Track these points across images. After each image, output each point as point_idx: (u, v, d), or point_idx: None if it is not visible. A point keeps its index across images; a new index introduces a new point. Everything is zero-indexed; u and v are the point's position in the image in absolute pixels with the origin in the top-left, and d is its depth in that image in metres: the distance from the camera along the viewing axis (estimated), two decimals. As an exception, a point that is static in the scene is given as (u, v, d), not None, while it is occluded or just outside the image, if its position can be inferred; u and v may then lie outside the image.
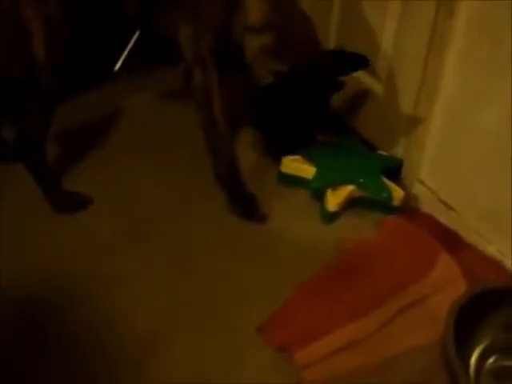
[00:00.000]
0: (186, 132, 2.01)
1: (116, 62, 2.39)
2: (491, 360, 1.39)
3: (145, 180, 1.94)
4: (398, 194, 1.81)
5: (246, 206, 1.82)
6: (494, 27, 1.51)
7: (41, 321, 1.50)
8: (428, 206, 1.82)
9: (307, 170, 1.88)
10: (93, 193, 1.85)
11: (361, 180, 1.82)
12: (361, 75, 2.00)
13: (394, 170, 1.90)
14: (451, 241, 1.70)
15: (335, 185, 1.82)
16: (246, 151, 1.99)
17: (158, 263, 1.67)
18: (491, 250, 1.65)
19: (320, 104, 1.85)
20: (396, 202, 1.82)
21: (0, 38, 1.56)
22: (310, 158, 1.90)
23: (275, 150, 1.97)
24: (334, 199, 1.80)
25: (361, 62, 1.79)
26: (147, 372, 1.40)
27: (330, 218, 1.82)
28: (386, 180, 1.84)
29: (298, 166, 1.90)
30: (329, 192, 1.81)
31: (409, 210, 1.83)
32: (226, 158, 1.83)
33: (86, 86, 2.23)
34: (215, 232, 1.77)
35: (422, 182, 1.84)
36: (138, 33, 2.36)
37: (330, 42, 2.16)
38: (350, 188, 1.82)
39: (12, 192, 1.82)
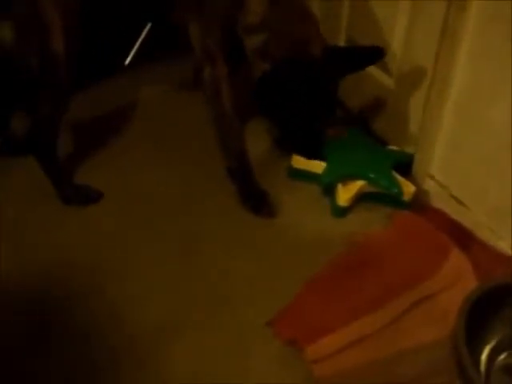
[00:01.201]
0: (196, 125, 2.02)
1: (127, 55, 2.40)
2: (502, 356, 1.39)
3: (154, 173, 1.94)
4: (408, 189, 1.81)
5: (256, 201, 1.83)
6: (505, 23, 1.50)
7: (43, 312, 1.52)
8: (439, 201, 1.81)
9: (317, 165, 1.88)
10: (102, 185, 1.86)
11: (371, 175, 1.82)
12: (373, 70, 1.99)
13: (404, 165, 1.89)
14: (462, 236, 1.69)
15: (346, 179, 1.82)
16: (257, 145, 1.99)
17: (167, 257, 1.67)
18: (502, 245, 1.65)
19: (323, 100, 1.83)
20: (407, 197, 1.81)
21: (18, 32, 1.55)
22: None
23: (285, 145, 1.97)
24: (344, 194, 1.80)
25: (376, 53, 1.76)
26: (153, 366, 1.41)
27: (341, 212, 1.82)
28: (396, 175, 1.83)
29: (308, 161, 1.90)
30: (339, 187, 1.81)
31: (419, 205, 1.83)
32: (236, 151, 1.83)
33: (97, 78, 2.24)
34: (225, 226, 1.77)
35: (432, 178, 1.84)
36: (148, 26, 2.36)
37: (341, 39, 2.15)
38: (360, 183, 1.81)
39: (18, 184, 1.84)
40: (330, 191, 1.84)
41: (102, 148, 2.02)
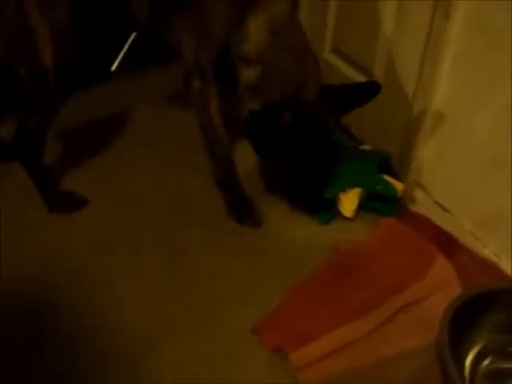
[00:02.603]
0: (185, 133, 2.01)
1: (113, 62, 2.39)
2: (486, 362, 1.39)
3: (142, 180, 1.94)
4: (398, 186, 1.81)
5: (243, 211, 1.82)
6: (489, 31, 1.52)
7: (30, 318, 1.51)
8: (424, 208, 1.82)
9: None
10: (89, 192, 1.85)
11: (368, 182, 1.82)
12: (356, 76, 2.00)
13: (384, 164, 1.90)
14: (447, 243, 1.70)
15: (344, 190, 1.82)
16: (244, 153, 1.98)
17: (154, 264, 1.67)
18: (486, 252, 1.66)
19: (321, 146, 1.73)
20: (399, 194, 1.81)
21: (7, 43, 1.55)
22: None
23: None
24: (350, 205, 1.80)
25: (372, 89, 1.61)
26: (140, 371, 1.40)
27: (326, 220, 1.82)
28: (385, 176, 1.84)
29: None
30: (343, 198, 1.81)
31: (405, 211, 1.83)
32: (224, 162, 1.82)
33: (86, 84, 2.23)
34: (212, 233, 1.77)
35: (417, 184, 1.85)
36: (134, 33, 2.36)
37: (326, 44, 2.16)
38: (359, 191, 1.81)
39: (8, 190, 1.82)
40: (326, 204, 1.83)
41: (90, 155, 2.01)
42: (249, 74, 1.66)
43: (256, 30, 1.63)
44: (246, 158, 1.95)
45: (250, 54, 1.64)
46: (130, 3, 1.81)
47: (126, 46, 2.39)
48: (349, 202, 1.81)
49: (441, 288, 1.55)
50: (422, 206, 1.83)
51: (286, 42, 1.64)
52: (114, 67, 2.40)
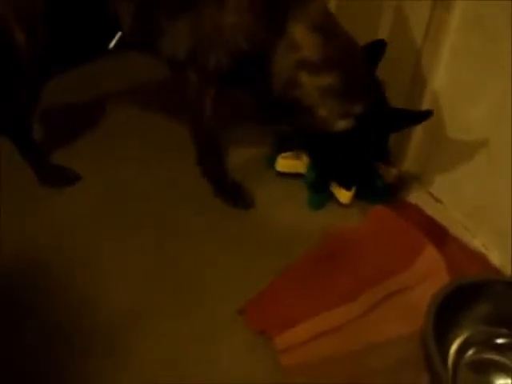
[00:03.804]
0: (177, 116, 2.00)
1: (111, 40, 2.38)
2: (470, 352, 1.39)
3: (133, 162, 1.93)
4: (390, 172, 1.81)
5: (233, 196, 1.82)
6: (487, 25, 1.52)
7: (13, 297, 1.50)
8: (416, 197, 1.82)
9: (301, 165, 1.86)
10: (79, 171, 1.85)
11: None
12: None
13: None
14: (437, 233, 1.70)
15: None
16: (234, 138, 1.98)
17: (141, 245, 1.67)
18: (476, 243, 1.66)
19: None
20: (392, 180, 1.82)
21: None
22: (302, 151, 1.86)
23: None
24: (346, 193, 1.79)
25: (423, 116, 1.60)
26: (123, 352, 1.40)
27: (317, 205, 1.82)
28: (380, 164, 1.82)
29: (291, 162, 1.88)
30: (338, 185, 1.80)
31: (396, 200, 1.83)
32: (210, 151, 1.81)
33: (82, 61, 2.23)
34: (200, 216, 1.76)
35: (410, 174, 1.85)
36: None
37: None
38: None
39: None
40: (317, 188, 1.82)
41: (81, 134, 2.01)
42: (324, 81, 1.59)
43: (301, 33, 1.57)
44: (236, 142, 1.96)
45: (310, 59, 1.58)
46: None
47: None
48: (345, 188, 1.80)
49: (429, 277, 1.55)
50: (414, 195, 1.83)
51: (333, 31, 1.61)
52: (111, 45, 2.38)
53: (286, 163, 1.88)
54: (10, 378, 1.32)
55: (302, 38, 1.57)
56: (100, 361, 1.38)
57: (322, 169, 1.79)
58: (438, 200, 1.77)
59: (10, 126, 1.74)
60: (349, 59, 1.62)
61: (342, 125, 1.62)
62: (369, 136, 1.65)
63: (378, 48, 1.67)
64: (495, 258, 1.61)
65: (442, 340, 1.32)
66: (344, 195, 1.80)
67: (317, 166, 1.80)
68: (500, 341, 1.41)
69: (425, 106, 1.73)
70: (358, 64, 1.63)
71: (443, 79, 1.70)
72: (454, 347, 1.39)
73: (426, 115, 1.59)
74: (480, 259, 1.63)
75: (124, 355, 1.40)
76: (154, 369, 1.37)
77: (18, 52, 1.59)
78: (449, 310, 1.34)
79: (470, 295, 1.38)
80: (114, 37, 2.36)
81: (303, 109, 1.63)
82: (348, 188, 1.78)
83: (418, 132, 1.78)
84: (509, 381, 1.35)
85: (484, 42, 1.54)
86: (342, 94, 1.59)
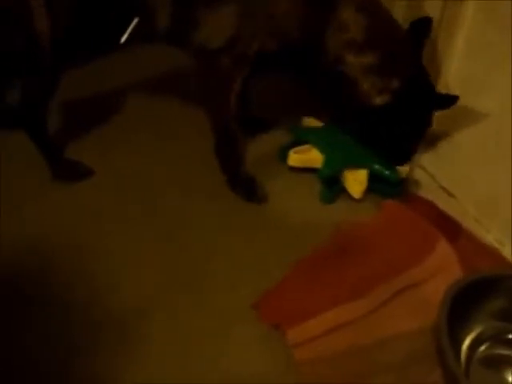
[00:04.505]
0: (191, 107, 2.00)
1: (123, 33, 2.37)
2: (483, 348, 1.39)
3: (146, 153, 1.94)
4: (404, 169, 1.80)
5: (247, 189, 1.82)
6: (500, 15, 1.51)
7: (23, 286, 1.51)
8: (428, 191, 1.81)
9: (315, 160, 1.84)
10: (92, 163, 1.86)
11: (374, 164, 1.80)
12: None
13: None
14: (450, 227, 1.69)
15: (344, 170, 1.80)
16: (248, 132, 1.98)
17: (153, 236, 1.68)
18: (489, 238, 1.65)
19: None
20: (404, 175, 1.81)
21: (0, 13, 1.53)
22: (316, 146, 1.86)
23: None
24: (358, 187, 1.79)
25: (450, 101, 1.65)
26: (133, 342, 1.41)
27: (330, 199, 1.81)
28: None
29: (303, 157, 1.87)
30: (350, 180, 1.80)
31: (409, 195, 1.82)
32: (230, 142, 1.81)
33: (95, 55, 2.23)
34: (213, 208, 1.77)
35: (422, 168, 1.84)
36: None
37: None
38: (365, 172, 1.79)
39: (10, 155, 1.81)
40: (330, 183, 1.82)
41: (94, 127, 2.01)
42: (366, 59, 1.66)
43: (348, 15, 1.63)
44: (249, 136, 1.96)
45: (356, 39, 1.65)
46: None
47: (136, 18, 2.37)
48: (357, 182, 1.80)
49: (441, 272, 1.54)
50: (426, 189, 1.82)
51: (384, 22, 1.69)
52: (123, 39, 2.38)
53: (298, 158, 1.87)
54: (9, 378, 1.32)
55: (349, 19, 1.63)
56: (109, 349, 1.39)
57: (366, 145, 1.82)
58: (450, 194, 1.75)
59: (26, 116, 1.75)
60: (390, 38, 1.69)
61: (380, 99, 1.69)
62: (408, 112, 1.70)
63: (423, 25, 1.69)
64: (508, 253, 1.60)
65: (455, 335, 1.32)
66: (356, 189, 1.79)
67: (361, 143, 1.83)
68: (513, 336, 1.41)
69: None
70: (399, 42, 1.69)
71: (457, 71, 1.70)
72: (466, 342, 1.38)
73: (454, 99, 1.63)
74: (493, 254, 1.62)
75: (133, 344, 1.41)
76: (166, 362, 1.37)
77: (39, 38, 1.59)
78: (462, 305, 1.34)
79: (482, 290, 1.38)
80: (125, 31, 2.37)
81: (347, 82, 1.70)
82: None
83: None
84: (522, 376, 1.35)
85: (498, 33, 1.53)
86: (382, 70, 1.67)
